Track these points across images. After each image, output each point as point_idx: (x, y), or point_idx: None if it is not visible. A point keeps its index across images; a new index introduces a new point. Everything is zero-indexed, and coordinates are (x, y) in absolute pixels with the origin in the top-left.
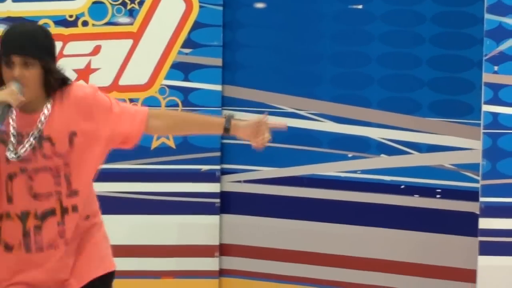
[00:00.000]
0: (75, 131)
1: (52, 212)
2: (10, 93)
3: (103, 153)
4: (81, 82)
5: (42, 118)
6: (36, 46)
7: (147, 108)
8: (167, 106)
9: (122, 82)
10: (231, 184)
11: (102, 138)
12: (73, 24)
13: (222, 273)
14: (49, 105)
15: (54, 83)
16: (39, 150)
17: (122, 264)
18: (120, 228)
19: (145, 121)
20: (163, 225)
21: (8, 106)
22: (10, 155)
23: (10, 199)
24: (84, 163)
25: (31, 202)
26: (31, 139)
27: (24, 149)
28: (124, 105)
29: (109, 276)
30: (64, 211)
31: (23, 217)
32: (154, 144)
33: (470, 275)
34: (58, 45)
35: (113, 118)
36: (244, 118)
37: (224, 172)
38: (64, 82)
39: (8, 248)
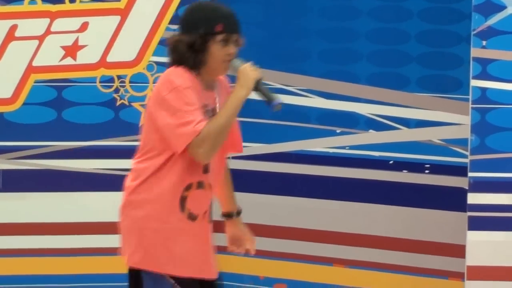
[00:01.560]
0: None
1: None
2: (253, 68)
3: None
4: None
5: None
6: (239, 24)
7: None
8: (154, 82)
9: (110, 58)
10: None
11: None
12: (61, 0)
13: None
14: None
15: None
16: None
17: (108, 241)
18: (108, 205)
19: None
20: None
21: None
22: None
23: (206, 169)
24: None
25: (213, 174)
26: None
27: None
28: None
29: None
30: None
31: (211, 187)
32: (142, 120)
33: (459, 250)
34: (45, 22)
35: None
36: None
37: None
38: None
39: (192, 217)
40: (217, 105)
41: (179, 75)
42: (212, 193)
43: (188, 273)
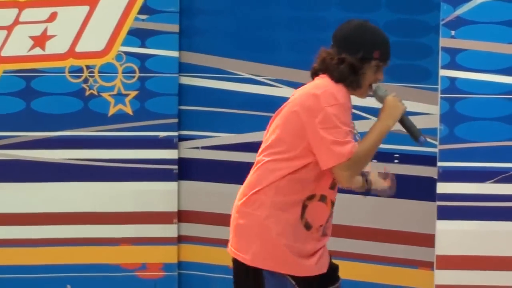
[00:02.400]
0: None
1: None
2: (399, 100)
3: None
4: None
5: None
6: None
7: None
8: (123, 72)
9: (79, 49)
10: (189, 151)
11: None
12: None
13: (180, 239)
14: None
15: None
16: None
17: (80, 231)
18: (78, 195)
19: None
20: (121, 192)
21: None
22: None
23: (333, 186)
24: None
25: (336, 192)
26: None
27: None
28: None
29: None
30: (333, 204)
31: (333, 205)
32: (112, 110)
33: (428, 240)
34: (13, 12)
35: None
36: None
37: (182, 138)
38: None
39: (308, 227)
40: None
41: (343, 93)
42: (330, 210)
43: (307, 272)
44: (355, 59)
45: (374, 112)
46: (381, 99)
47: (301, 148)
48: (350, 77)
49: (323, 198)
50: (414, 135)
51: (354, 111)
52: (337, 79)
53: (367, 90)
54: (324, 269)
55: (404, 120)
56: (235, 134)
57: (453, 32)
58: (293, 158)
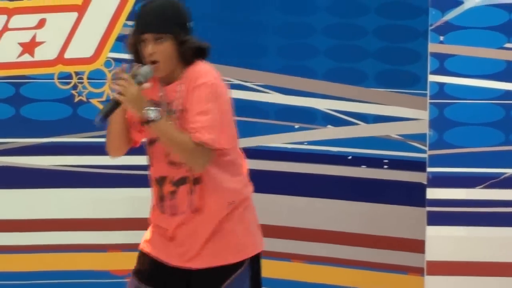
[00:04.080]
0: (186, 107)
1: (184, 181)
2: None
3: None
4: (210, 69)
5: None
6: (165, 21)
7: (207, 138)
8: (113, 79)
9: (68, 55)
10: None
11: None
12: None
13: None
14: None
15: (188, 54)
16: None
17: (68, 238)
18: (71, 202)
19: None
20: (114, 198)
21: (117, 104)
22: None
23: (151, 164)
24: None
25: (167, 168)
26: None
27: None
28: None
29: (237, 266)
30: (195, 181)
31: (160, 182)
32: None
33: (418, 245)
34: (2, 19)
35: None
36: None
37: None
38: (200, 51)
39: (152, 206)
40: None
41: None
42: (165, 188)
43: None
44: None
45: (357, 116)
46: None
47: None
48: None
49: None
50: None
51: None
52: None
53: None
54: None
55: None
56: None
57: (441, 38)
58: None
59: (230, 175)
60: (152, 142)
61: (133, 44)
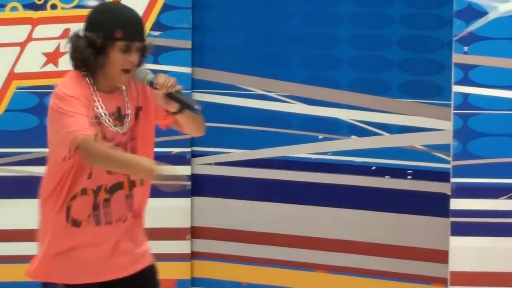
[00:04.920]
0: (141, 105)
1: (120, 185)
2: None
3: (154, 127)
4: None
5: (126, 96)
6: (144, 30)
7: None
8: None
9: None
10: (202, 167)
11: (152, 111)
12: (42, 7)
13: (193, 255)
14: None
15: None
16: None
17: None
18: None
19: None
20: None
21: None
22: (120, 129)
23: (90, 175)
24: (146, 136)
25: (105, 176)
26: (128, 114)
27: (127, 124)
28: None
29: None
30: (131, 184)
31: (96, 191)
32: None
33: (442, 256)
34: (26, 29)
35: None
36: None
37: (195, 154)
38: None
39: (76, 224)
40: (126, 106)
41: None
42: (99, 197)
43: (82, 280)
44: (95, 37)
45: (381, 127)
46: (144, 82)
47: None
48: (89, 55)
49: (83, 192)
50: (189, 106)
51: (362, 125)
52: (74, 60)
53: (119, 74)
54: (108, 276)
55: (174, 95)
56: (248, 150)
57: (466, 48)
58: None
59: None
60: None
61: (98, 47)
